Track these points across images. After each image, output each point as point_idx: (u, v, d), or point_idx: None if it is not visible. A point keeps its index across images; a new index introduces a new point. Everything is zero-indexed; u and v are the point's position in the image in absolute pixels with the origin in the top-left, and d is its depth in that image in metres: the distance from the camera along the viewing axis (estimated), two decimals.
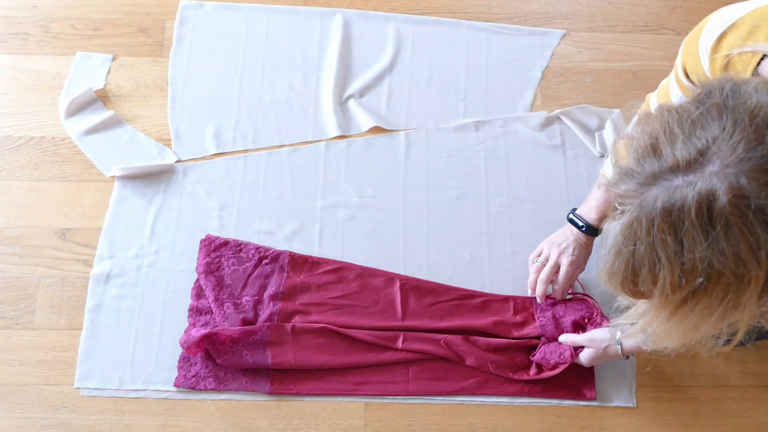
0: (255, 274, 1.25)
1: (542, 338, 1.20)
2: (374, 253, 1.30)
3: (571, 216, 1.20)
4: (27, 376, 1.18)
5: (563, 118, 1.43)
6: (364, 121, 1.42)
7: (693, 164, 0.61)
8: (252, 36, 1.52)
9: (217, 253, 1.27)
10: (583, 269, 1.22)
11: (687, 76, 0.93)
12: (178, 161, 1.37)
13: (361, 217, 1.33)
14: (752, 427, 1.18)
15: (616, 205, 0.67)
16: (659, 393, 1.19)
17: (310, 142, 1.41)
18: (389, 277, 1.27)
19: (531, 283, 1.22)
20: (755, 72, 0.77)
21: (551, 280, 1.21)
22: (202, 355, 1.18)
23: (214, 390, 1.17)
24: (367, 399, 1.18)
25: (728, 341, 0.71)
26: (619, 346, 1.09)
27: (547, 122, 1.43)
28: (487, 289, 1.27)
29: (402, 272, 1.28)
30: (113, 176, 1.34)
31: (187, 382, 1.17)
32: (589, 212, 1.17)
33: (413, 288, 1.26)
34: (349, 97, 1.46)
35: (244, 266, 1.26)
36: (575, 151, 1.41)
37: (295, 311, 1.23)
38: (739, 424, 1.18)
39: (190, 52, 1.49)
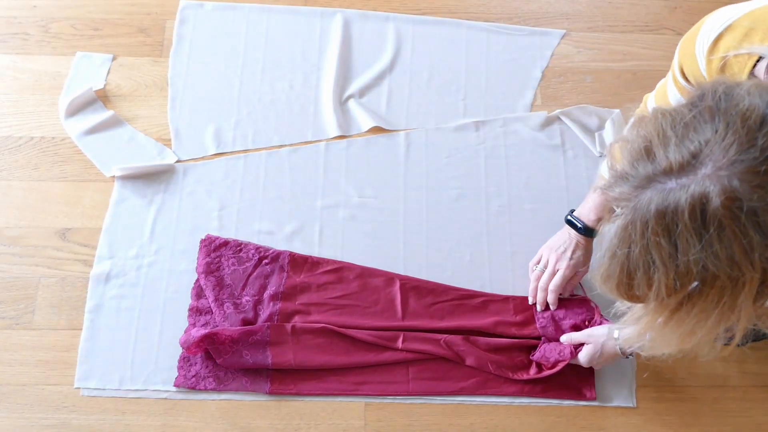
0: (255, 274, 1.26)
1: (542, 338, 1.20)
2: (374, 253, 1.30)
3: (569, 217, 1.20)
4: (27, 376, 1.18)
5: (563, 118, 1.43)
6: (364, 121, 1.42)
7: (686, 167, 0.61)
8: (252, 36, 1.52)
9: (217, 253, 1.27)
10: (586, 271, 1.22)
11: (684, 76, 0.93)
12: (178, 161, 1.37)
13: (361, 217, 1.33)
14: (752, 427, 1.18)
15: (613, 207, 0.67)
16: (659, 393, 1.19)
17: (310, 142, 1.41)
18: (389, 277, 1.27)
19: (531, 292, 1.23)
20: (751, 74, 0.77)
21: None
22: (202, 355, 1.18)
23: (214, 390, 1.17)
24: (367, 399, 1.18)
25: (726, 344, 0.71)
26: (618, 340, 1.09)
27: (547, 122, 1.43)
28: (487, 289, 1.27)
29: (402, 272, 1.28)
30: (113, 176, 1.34)
31: (187, 382, 1.17)
32: (587, 213, 1.17)
33: (413, 288, 1.26)
34: (349, 97, 1.46)
35: (244, 266, 1.26)
36: (575, 151, 1.41)
37: (295, 311, 1.23)
38: (739, 424, 1.18)
39: (190, 52, 1.49)
